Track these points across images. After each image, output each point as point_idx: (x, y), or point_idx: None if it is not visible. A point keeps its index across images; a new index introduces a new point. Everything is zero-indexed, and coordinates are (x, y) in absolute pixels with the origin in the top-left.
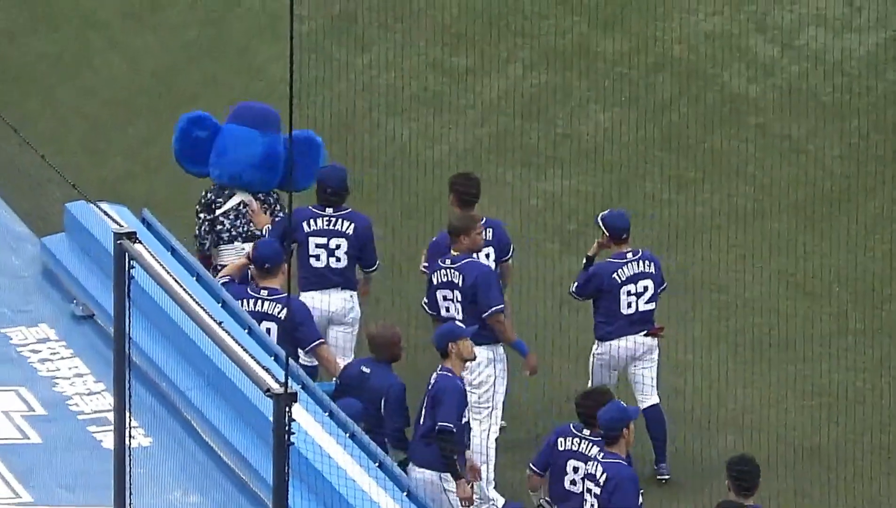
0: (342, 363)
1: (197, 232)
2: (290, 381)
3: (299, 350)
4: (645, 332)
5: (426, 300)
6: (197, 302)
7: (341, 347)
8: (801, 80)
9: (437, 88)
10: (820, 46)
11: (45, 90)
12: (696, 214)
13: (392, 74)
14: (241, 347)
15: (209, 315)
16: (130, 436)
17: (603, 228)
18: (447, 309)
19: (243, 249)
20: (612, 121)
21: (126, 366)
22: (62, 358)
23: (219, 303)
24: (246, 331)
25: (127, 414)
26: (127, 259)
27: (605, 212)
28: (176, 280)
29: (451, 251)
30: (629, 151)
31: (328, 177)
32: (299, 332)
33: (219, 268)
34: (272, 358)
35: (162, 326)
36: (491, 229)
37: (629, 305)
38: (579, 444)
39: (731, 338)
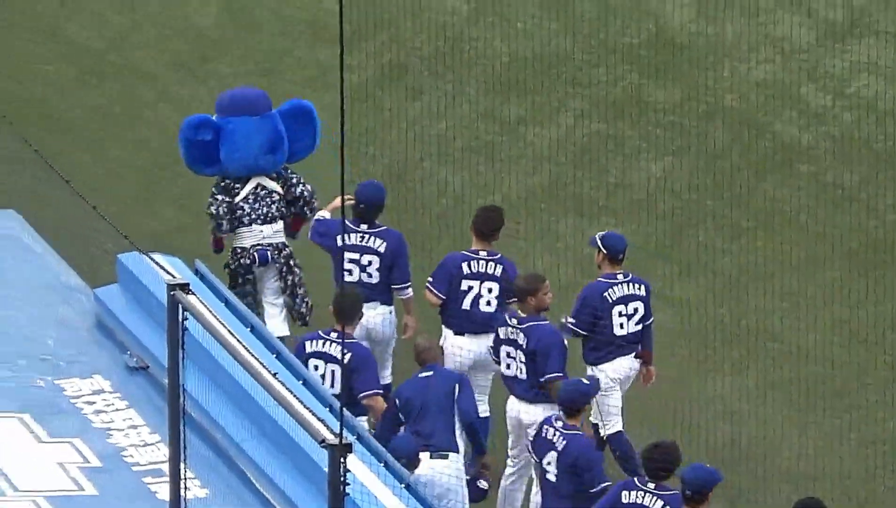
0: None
1: (214, 211)
2: (344, 432)
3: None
4: (634, 354)
5: (492, 347)
6: (251, 353)
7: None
8: (854, 128)
9: (488, 137)
10: (872, 94)
11: (95, 142)
12: (750, 262)
13: (443, 123)
14: (296, 398)
15: (263, 366)
16: (186, 487)
17: (602, 247)
18: (508, 366)
19: (261, 231)
20: (665, 170)
21: (181, 417)
22: (117, 410)
23: (273, 354)
24: (301, 382)
25: (182, 465)
26: (181, 311)
27: (604, 233)
28: (230, 331)
29: (519, 311)
30: (682, 199)
31: (363, 193)
32: (357, 379)
33: (238, 250)
34: (327, 409)
35: (216, 377)
36: (501, 267)
37: (621, 326)
38: (643, 497)
39: (785, 387)
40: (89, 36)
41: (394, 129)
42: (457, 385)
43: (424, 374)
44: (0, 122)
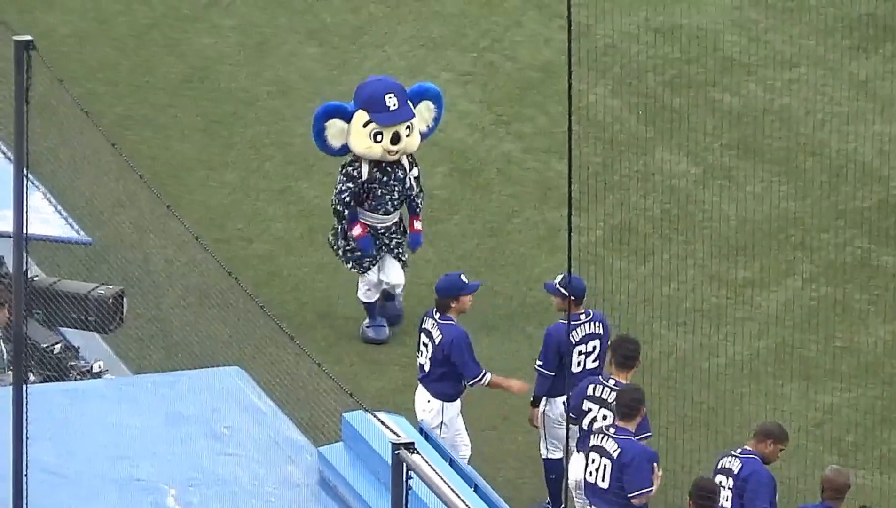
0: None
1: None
2: None
3: None
4: None
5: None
6: None
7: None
8: None
9: (715, 300)
10: None
11: (322, 300)
12: None
13: (671, 285)
14: None
15: None
16: None
17: (566, 293)
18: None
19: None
20: (894, 334)
21: None
22: None
23: None
24: None
25: None
26: (405, 469)
27: (561, 277)
28: (454, 491)
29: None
30: None
31: (439, 284)
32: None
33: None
34: None
35: None
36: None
37: (578, 364)
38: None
39: None
40: (317, 194)
41: (622, 291)
42: None
43: None
44: (230, 280)
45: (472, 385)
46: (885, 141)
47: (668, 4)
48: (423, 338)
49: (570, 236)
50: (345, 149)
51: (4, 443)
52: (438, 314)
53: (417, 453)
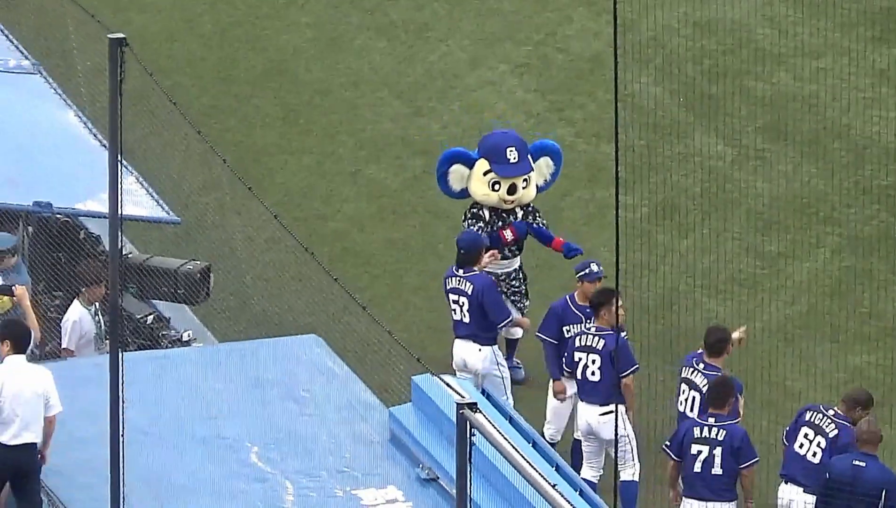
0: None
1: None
2: None
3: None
4: None
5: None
6: (533, 466)
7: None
8: None
9: (751, 270)
10: None
11: (391, 274)
12: None
13: (710, 257)
14: (573, 507)
15: (544, 479)
16: None
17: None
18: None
19: None
20: None
21: None
22: None
23: (552, 466)
24: (577, 492)
25: None
26: (468, 428)
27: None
28: (514, 447)
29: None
30: None
31: (463, 241)
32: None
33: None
34: None
35: (501, 488)
36: (603, 340)
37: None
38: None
39: None
40: (387, 176)
41: (666, 263)
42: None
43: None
44: (307, 256)
45: (501, 328)
46: None
47: (705, 0)
48: (453, 296)
49: (617, 212)
50: (464, 193)
51: (104, 406)
52: (462, 270)
53: (480, 412)
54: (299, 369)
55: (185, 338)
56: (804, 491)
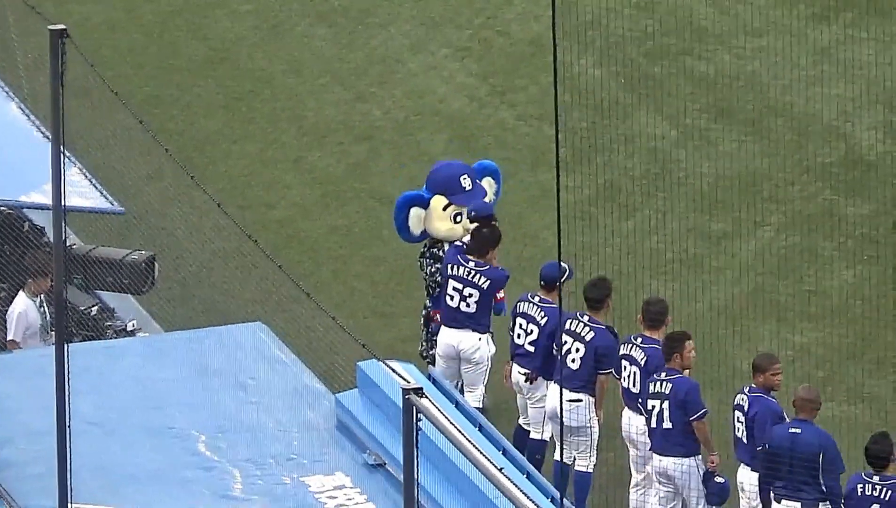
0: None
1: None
2: None
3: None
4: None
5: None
6: (480, 451)
7: (469, 382)
8: None
9: (695, 250)
10: None
11: (336, 260)
12: None
13: (654, 238)
14: (521, 491)
15: (491, 462)
16: None
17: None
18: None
19: None
20: (857, 277)
21: None
22: (357, 504)
23: (500, 451)
24: (525, 476)
25: None
26: (415, 413)
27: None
28: (460, 431)
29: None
30: (872, 304)
31: (477, 232)
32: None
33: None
34: (549, 500)
35: (447, 472)
36: (593, 333)
37: (518, 336)
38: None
39: None
40: (330, 163)
41: (609, 244)
42: None
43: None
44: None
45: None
46: (846, 101)
47: None
48: (455, 284)
49: (558, 195)
50: (424, 235)
51: (51, 398)
52: (473, 263)
53: (426, 397)
54: (245, 357)
55: (130, 328)
56: (751, 470)
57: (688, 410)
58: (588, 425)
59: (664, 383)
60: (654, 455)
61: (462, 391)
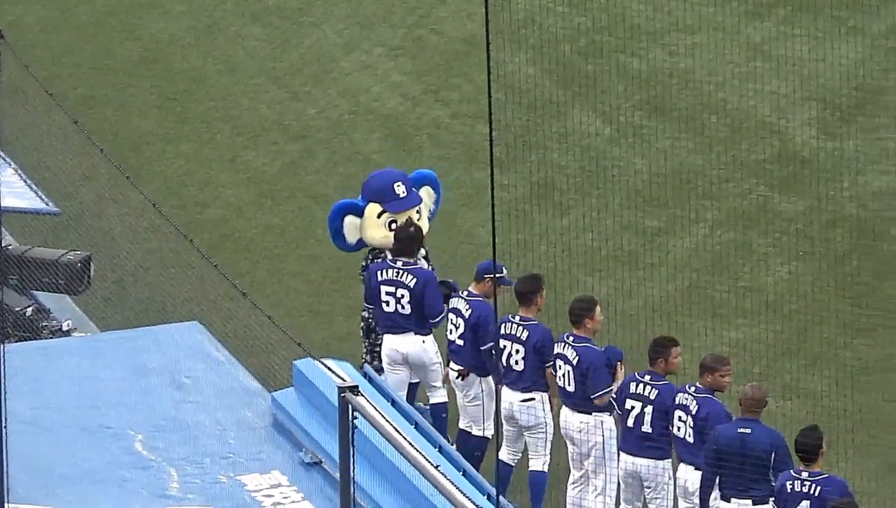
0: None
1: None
2: None
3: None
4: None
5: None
6: (416, 448)
7: (428, 383)
8: None
9: (630, 247)
10: None
11: (271, 259)
12: (872, 356)
13: (589, 235)
14: (457, 488)
15: (427, 460)
16: None
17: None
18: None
19: None
20: (792, 274)
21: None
22: (293, 502)
23: (435, 448)
24: (461, 473)
25: None
26: (350, 411)
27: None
28: (396, 429)
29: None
30: (807, 300)
31: (401, 231)
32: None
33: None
34: (485, 497)
35: (384, 470)
36: (527, 331)
37: (449, 331)
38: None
39: None
40: (264, 162)
41: (544, 242)
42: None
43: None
44: (186, 243)
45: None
46: (780, 98)
47: None
48: (388, 288)
49: (493, 192)
50: (361, 244)
51: None
52: (400, 261)
53: (361, 395)
54: (181, 356)
55: (65, 328)
56: (695, 469)
57: (672, 419)
58: (544, 421)
59: (648, 387)
60: (624, 455)
61: (415, 394)
